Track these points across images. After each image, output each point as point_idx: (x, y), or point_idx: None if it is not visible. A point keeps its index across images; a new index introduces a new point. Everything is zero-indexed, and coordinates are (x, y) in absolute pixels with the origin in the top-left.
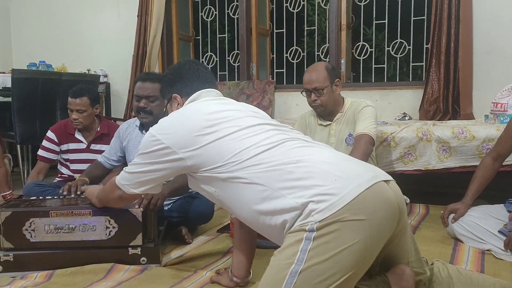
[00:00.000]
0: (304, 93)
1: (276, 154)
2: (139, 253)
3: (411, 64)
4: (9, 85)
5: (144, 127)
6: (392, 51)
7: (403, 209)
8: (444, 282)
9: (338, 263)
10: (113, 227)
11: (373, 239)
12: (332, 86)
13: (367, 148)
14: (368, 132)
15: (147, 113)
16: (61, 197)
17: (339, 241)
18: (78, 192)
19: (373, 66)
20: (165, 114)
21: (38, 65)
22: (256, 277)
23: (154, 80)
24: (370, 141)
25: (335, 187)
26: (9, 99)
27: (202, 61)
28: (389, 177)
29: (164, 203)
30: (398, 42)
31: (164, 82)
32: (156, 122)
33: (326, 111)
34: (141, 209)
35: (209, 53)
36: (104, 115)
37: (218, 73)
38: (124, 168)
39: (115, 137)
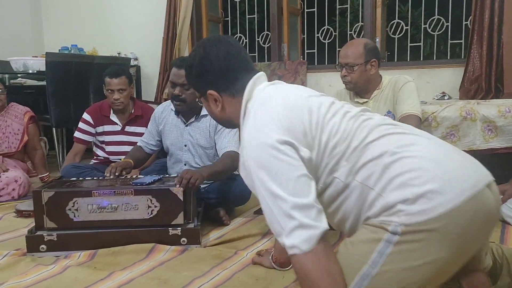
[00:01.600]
0: (338, 66)
1: (376, 145)
2: (180, 233)
3: (449, 41)
4: (43, 68)
5: (179, 112)
6: (429, 28)
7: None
8: (503, 264)
9: (418, 275)
10: (155, 206)
11: (463, 253)
12: (366, 65)
13: (417, 127)
14: (415, 112)
15: (182, 101)
16: (105, 178)
17: (424, 252)
18: (117, 173)
19: (409, 44)
20: (195, 100)
21: (70, 49)
22: None
23: None
24: (419, 121)
25: (432, 189)
26: (43, 83)
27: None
28: (491, 177)
29: (202, 185)
30: (435, 19)
31: (192, 74)
32: (190, 110)
33: (356, 89)
34: (182, 188)
35: (238, 34)
36: (135, 98)
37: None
38: (283, 236)
39: (151, 121)
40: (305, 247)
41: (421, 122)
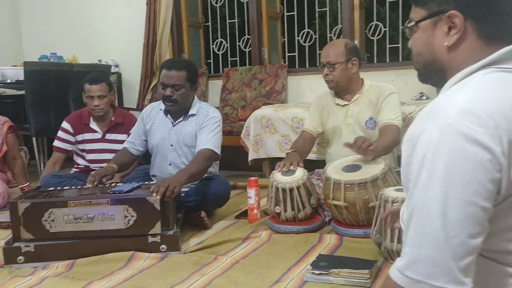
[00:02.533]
0: (320, 67)
1: None
2: (159, 241)
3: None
4: (22, 78)
5: (168, 112)
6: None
7: None
8: None
9: None
10: (132, 216)
11: None
12: (347, 64)
13: (396, 138)
14: (396, 123)
15: (173, 101)
16: (83, 186)
17: None
18: (96, 182)
19: (388, 46)
20: (187, 100)
21: (49, 57)
22: (272, 263)
23: (180, 68)
24: (399, 131)
25: None
26: (23, 92)
27: (213, 47)
28: None
29: (183, 189)
30: None
31: None
32: (181, 110)
33: (338, 88)
34: (158, 197)
35: (219, 39)
36: (116, 105)
37: (229, 59)
38: (403, 255)
39: (138, 121)
40: None
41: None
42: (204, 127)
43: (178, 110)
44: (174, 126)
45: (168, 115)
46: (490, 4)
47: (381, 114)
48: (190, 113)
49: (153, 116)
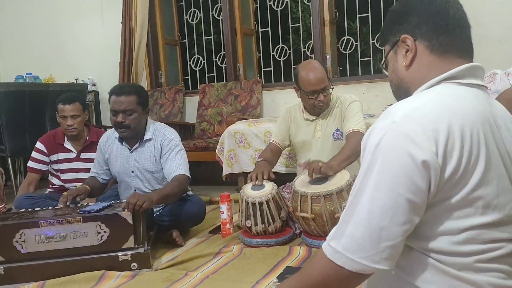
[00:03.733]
0: (307, 95)
1: None
2: (130, 258)
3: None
4: None
5: (123, 139)
6: (377, 43)
7: None
8: None
9: None
10: (105, 232)
11: None
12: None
13: (358, 144)
14: (359, 129)
15: (125, 127)
16: (55, 207)
17: None
18: (68, 203)
19: (359, 59)
20: (140, 124)
21: (25, 78)
22: (241, 277)
23: (129, 93)
24: (362, 137)
25: None
26: None
27: (190, 64)
28: None
29: (155, 209)
30: None
31: (390, 16)
32: (135, 135)
33: (327, 108)
34: (130, 212)
35: (196, 56)
36: (94, 123)
37: (207, 75)
38: (334, 229)
39: (98, 151)
40: None
41: None
42: (167, 153)
43: (131, 136)
44: (131, 152)
45: (124, 142)
46: (433, 21)
47: (344, 123)
48: (145, 138)
49: (110, 145)
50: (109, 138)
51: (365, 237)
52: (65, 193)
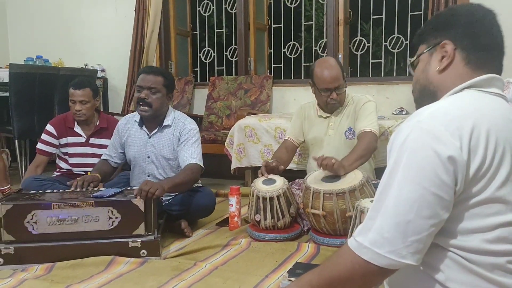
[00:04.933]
0: (321, 92)
1: None
2: (139, 245)
3: (408, 59)
4: (6, 79)
5: (143, 122)
6: (389, 46)
7: None
8: None
9: None
10: (116, 217)
11: None
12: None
13: (372, 145)
14: (372, 129)
15: (147, 105)
16: (65, 190)
17: None
18: (84, 188)
19: (371, 61)
20: (161, 107)
21: (35, 60)
22: (250, 270)
23: (158, 74)
24: (375, 138)
25: None
26: (7, 94)
27: (200, 56)
28: None
29: (164, 198)
30: (395, 37)
31: (435, 20)
32: (155, 119)
33: (340, 106)
34: (142, 199)
35: (207, 48)
36: (102, 110)
37: (216, 68)
38: (361, 226)
39: (114, 134)
40: None
41: (378, 137)
42: (184, 141)
43: (151, 117)
44: (150, 137)
45: (143, 127)
46: (477, 37)
47: (357, 122)
48: (164, 123)
49: (129, 129)
50: (129, 122)
51: (391, 231)
52: (79, 178)
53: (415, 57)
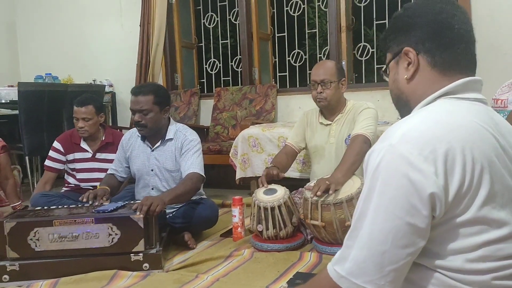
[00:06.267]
0: (311, 86)
1: None
2: (142, 259)
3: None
4: (16, 98)
5: (145, 137)
6: None
7: None
8: None
9: None
10: (116, 234)
11: None
12: (339, 83)
13: (361, 148)
14: (364, 133)
15: (142, 126)
16: (71, 206)
17: None
18: (96, 203)
19: (375, 66)
20: (157, 124)
21: (44, 78)
22: (251, 281)
23: (146, 93)
24: (365, 140)
25: None
26: (17, 112)
27: (206, 67)
28: None
29: (168, 210)
30: None
31: (394, 24)
32: (156, 134)
33: (329, 107)
34: (142, 215)
35: (212, 59)
36: (110, 124)
37: (222, 78)
38: (339, 253)
39: (119, 148)
40: None
41: (370, 143)
42: (185, 152)
43: (150, 134)
44: (153, 151)
45: (146, 141)
46: (438, 36)
47: (354, 127)
48: (167, 137)
49: (132, 143)
50: (132, 136)
51: (367, 261)
52: (91, 190)
53: (385, 66)
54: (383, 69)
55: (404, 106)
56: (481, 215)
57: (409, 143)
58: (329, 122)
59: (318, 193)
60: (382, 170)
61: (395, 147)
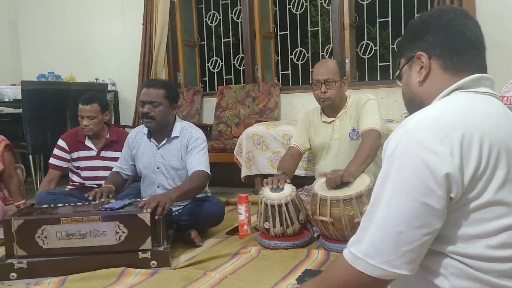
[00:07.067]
0: (313, 85)
1: None
2: (149, 256)
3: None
4: (19, 96)
5: (151, 134)
6: (397, 48)
7: None
8: None
9: None
10: (123, 232)
11: None
12: (341, 82)
13: (375, 143)
14: (374, 127)
15: (150, 118)
16: (77, 204)
17: None
18: (102, 199)
19: (378, 64)
20: (165, 118)
21: (47, 76)
22: (259, 278)
23: (158, 86)
24: (378, 135)
25: None
26: (20, 110)
27: (208, 66)
28: None
29: (174, 208)
30: None
31: (408, 31)
32: (163, 131)
33: (333, 106)
34: (149, 212)
35: (215, 58)
36: (113, 122)
37: (224, 77)
38: (354, 236)
39: (125, 146)
40: None
41: (382, 137)
42: (191, 150)
43: (156, 129)
44: (158, 149)
45: (152, 139)
46: (449, 42)
47: (360, 122)
48: (172, 135)
49: (138, 141)
50: (138, 134)
51: (383, 242)
52: (97, 188)
53: (398, 71)
54: (396, 74)
55: (417, 108)
56: (498, 198)
57: (424, 127)
58: (332, 119)
59: (332, 178)
60: (398, 154)
61: (410, 132)
